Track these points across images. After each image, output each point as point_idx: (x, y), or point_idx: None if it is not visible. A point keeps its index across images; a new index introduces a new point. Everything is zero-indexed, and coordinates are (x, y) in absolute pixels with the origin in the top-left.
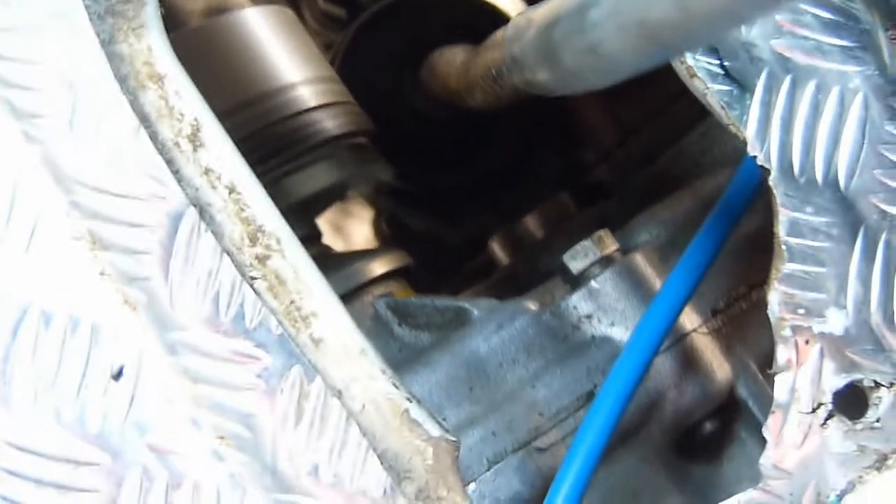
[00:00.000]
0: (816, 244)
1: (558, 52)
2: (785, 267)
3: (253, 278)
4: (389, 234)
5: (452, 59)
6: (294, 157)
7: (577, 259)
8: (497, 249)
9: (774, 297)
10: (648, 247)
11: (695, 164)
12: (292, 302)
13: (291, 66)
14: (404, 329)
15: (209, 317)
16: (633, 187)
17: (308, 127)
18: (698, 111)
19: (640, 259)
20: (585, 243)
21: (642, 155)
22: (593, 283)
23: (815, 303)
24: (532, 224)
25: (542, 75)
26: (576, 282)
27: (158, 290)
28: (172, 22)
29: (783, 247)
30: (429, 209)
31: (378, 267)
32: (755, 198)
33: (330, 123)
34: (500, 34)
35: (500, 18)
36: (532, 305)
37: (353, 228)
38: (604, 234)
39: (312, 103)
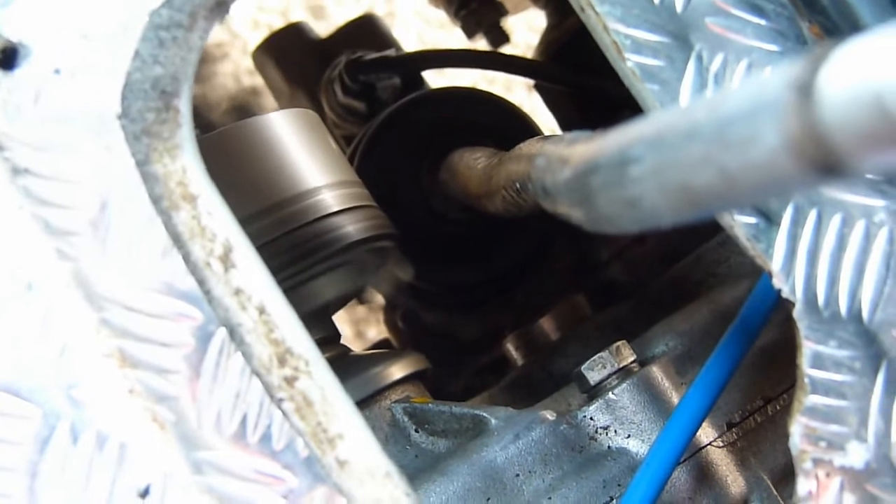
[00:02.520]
0: (839, 377)
1: (594, 198)
2: (807, 399)
3: (281, 399)
4: (404, 329)
5: (473, 163)
6: (317, 262)
7: (594, 370)
8: (512, 350)
9: (797, 429)
10: (665, 358)
11: (711, 273)
12: (319, 423)
13: (315, 170)
14: (421, 435)
15: (236, 437)
16: (647, 291)
17: (331, 232)
18: (715, 220)
19: (657, 371)
20: (603, 354)
21: (657, 257)
22: (611, 395)
23: (837, 436)
24: (547, 326)
25: (575, 214)
26: (593, 393)
27: (187, 409)
28: (196, 125)
29: (806, 379)
30: (443, 305)
31: (396, 371)
32: (772, 314)
33: (352, 228)
34: (527, 149)
35: (520, 118)
36: (549, 415)
37: (367, 323)
38: (622, 345)
39: (335, 208)
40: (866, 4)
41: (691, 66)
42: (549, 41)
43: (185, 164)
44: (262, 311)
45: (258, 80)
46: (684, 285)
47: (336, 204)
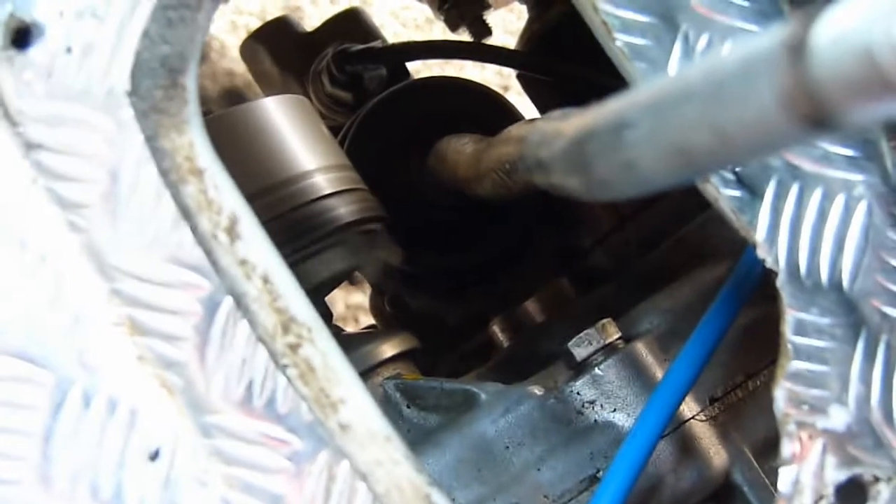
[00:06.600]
0: (821, 344)
1: (591, 164)
2: (790, 365)
3: (285, 366)
4: (390, 314)
5: (462, 148)
6: (310, 244)
7: (581, 346)
8: (497, 332)
9: (780, 393)
10: (650, 335)
11: (693, 255)
12: (322, 389)
13: (308, 154)
14: (413, 410)
15: (243, 402)
16: (630, 274)
17: (323, 214)
18: (695, 203)
19: (641, 348)
20: (590, 331)
21: (638, 242)
22: (597, 371)
23: (819, 400)
24: (532, 309)
25: (572, 182)
26: (579, 368)
27: (195, 375)
28: None
29: (789, 346)
30: (429, 289)
31: (388, 349)
32: (754, 291)
33: (344, 210)
34: (515, 132)
35: (505, 108)
36: (537, 390)
37: (365, 310)
38: (607, 322)
39: (327, 190)
40: None
41: (678, 45)
42: (532, 32)
43: (193, 139)
44: (266, 280)
45: (236, 81)
46: (666, 267)
47: (328, 187)
